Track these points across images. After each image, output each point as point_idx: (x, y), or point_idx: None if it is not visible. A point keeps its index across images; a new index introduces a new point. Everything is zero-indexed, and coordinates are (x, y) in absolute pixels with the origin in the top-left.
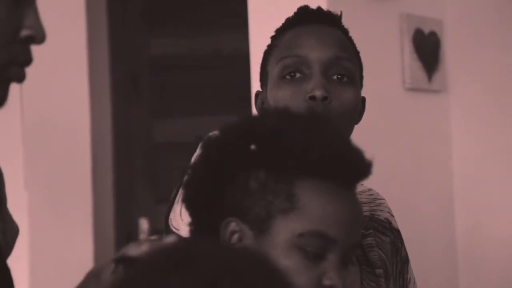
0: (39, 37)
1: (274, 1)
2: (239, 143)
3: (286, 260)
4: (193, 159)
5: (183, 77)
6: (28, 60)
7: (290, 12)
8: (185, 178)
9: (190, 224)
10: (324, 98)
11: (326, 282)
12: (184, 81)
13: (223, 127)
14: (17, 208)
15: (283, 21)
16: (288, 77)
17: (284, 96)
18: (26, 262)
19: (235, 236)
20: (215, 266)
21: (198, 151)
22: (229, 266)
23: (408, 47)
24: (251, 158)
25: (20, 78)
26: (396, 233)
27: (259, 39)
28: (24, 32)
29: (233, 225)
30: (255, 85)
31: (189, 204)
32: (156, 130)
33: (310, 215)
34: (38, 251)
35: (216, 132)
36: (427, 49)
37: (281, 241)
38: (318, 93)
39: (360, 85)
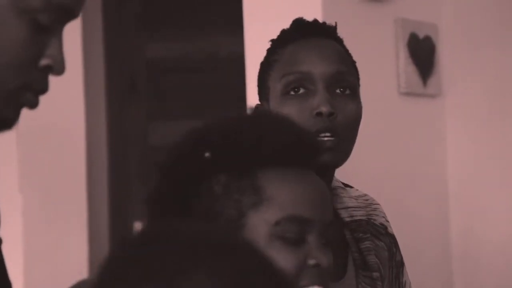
0: (57, 68)
1: (269, 5)
2: (193, 154)
3: (269, 251)
4: None
5: (179, 80)
6: (43, 89)
7: (285, 16)
8: (147, 198)
9: None
10: (330, 114)
11: (311, 262)
12: (180, 84)
13: (174, 143)
14: (11, 211)
15: (278, 25)
16: (292, 92)
17: (289, 113)
18: (21, 265)
19: None
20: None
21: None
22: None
23: (403, 52)
24: (208, 165)
25: (33, 104)
26: (392, 238)
27: (254, 42)
28: (44, 61)
29: None
30: (251, 88)
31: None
32: (151, 133)
33: (281, 202)
34: (32, 254)
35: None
36: (422, 53)
37: (260, 235)
38: (324, 109)
39: (359, 94)
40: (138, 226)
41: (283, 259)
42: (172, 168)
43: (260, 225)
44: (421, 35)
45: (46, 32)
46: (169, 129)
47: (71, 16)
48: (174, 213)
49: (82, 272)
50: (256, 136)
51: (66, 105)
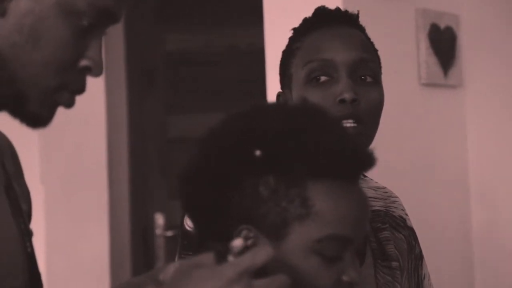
0: (96, 70)
1: None
2: (241, 149)
3: (305, 265)
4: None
5: (198, 72)
6: (80, 89)
7: (305, 7)
8: (183, 186)
9: (189, 235)
10: (353, 100)
11: (345, 278)
12: (199, 76)
13: (217, 130)
14: (33, 202)
15: (298, 16)
16: (314, 80)
17: (313, 100)
18: (43, 256)
19: (250, 241)
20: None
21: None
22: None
23: (424, 42)
24: (257, 164)
25: (69, 104)
26: (411, 231)
27: (274, 34)
28: (83, 62)
29: (245, 232)
30: (270, 81)
31: (192, 213)
32: (171, 125)
33: (326, 219)
34: (54, 245)
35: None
36: (443, 44)
37: (299, 247)
38: (347, 96)
39: (381, 80)
40: (158, 218)
41: (320, 275)
42: (215, 155)
43: (301, 238)
44: (442, 25)
45: (88, 34)
46: (188, 121)
47: (113, 19)
48: (207, 197)
49: (103, 262)
50: (314, 144)
51: (86, 98)
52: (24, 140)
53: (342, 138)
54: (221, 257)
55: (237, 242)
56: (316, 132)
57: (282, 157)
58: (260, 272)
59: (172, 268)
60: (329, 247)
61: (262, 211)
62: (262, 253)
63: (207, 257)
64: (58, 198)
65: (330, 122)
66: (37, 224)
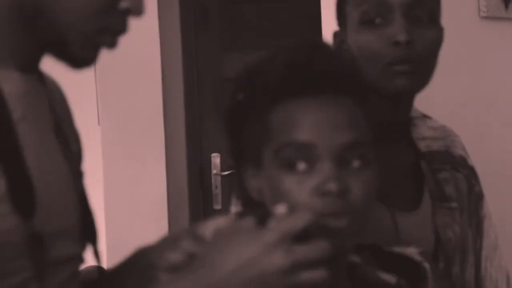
0: (136, 10)
1: None
2: (233, 97)
3: (280, 184)
4: None
5: (253, 9)
6: (122, 30)
7: None
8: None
9: None
10: (408, 42)
11: (322, 188)
12: (254, 14)
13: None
14: (91, 144)
15: None
16: (368, 22)
17: (367, 42)
18: (100, 197)
19: (254, 180)
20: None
21: None
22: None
23: None
24: (244, 105)
25: (112, 45)
26: (471, 170)
27: None
28: (123, 4)
29: (249, 172)
30: (325, 19)
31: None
32: (226, 63)
33: (280, 132)
34: (111, 186)
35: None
36: None
37: (269, 168)
38: (401, 38)
39: (440, 19)
40: (215, 157)
41: (295, 189)
42: (229, 102)
43: (268, 158)
44: None
45: None
46: (243, 60)
47: None
48: (229, 140)
49: (160, 203)
50: (268, 72)
51: (141, 38)
52: (82, 83)
53: (298, 57)
54: (262, 222)
55: (280, 208)
56: (275, 59)
57: (253, 94)
58: (301, 237)
59: (212, 225)
60: (288, 155)
61: (248, 149)
62: (302, 218)
63: (248, 222)
64: (115, 140)
65: (301, 48)
66: (95, 165)
